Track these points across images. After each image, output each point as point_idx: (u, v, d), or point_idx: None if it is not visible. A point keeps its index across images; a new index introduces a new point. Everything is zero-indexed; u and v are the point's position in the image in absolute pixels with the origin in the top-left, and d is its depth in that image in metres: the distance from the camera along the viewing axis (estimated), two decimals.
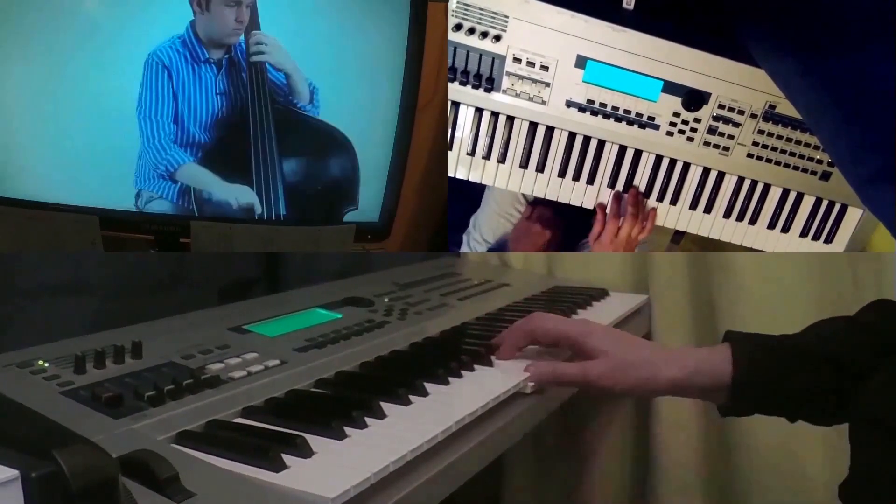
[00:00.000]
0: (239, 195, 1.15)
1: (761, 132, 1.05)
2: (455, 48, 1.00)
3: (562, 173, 1.07)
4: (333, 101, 1.20)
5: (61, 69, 1.07)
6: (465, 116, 1.04)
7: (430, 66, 1.21)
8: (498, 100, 1.03)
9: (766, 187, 1.09)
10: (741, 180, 1.09)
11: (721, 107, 1.03)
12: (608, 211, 1.08)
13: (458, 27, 0.98)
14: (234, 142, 1.15)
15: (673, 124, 1.04)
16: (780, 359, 0.71)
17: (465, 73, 1.01)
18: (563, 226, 1.26)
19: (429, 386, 0.73)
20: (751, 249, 1.12)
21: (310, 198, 1.20)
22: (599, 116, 1.04)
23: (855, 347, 0.70)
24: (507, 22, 0.97)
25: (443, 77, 1.03)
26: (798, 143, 1.05)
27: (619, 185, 1.08)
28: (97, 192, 1.12)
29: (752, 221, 1.10)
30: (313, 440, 0.58)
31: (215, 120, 1.14)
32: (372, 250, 1.26)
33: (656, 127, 1.04)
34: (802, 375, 0.70)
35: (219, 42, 1.13)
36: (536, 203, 1.26)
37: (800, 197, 1.09)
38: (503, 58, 1.00)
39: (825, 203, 1.10)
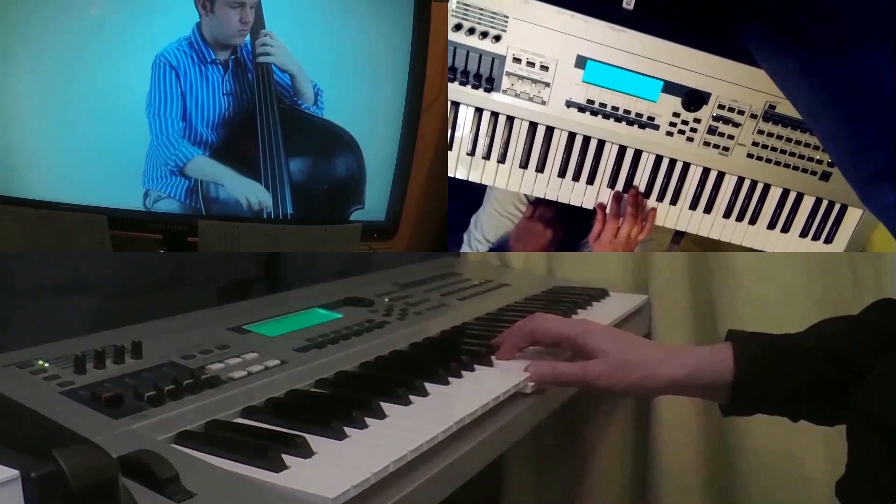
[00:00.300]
0: (252, 193, 1.15)
1: (761, 132, 1.04)
2: (455, 48, 1.00)
3: (562, 173, 1.07)
4: (338, 102, 1.20)
5: (68, 68, 1.07)
6: (465, 116, 1.04)
7: (435, 66, 1.21)
8: (498, 100, 1.03)
9: (766, 187, 1.09)
10: (741, 180, 1.08)
11: (721, 107, 1.03)
12: (608, 211, 1.08)
13: (458, 27, 0.98)
14: (241, 141, 1.15)
15: (673, 124, 1.04)
16: (781, 357, 0.71)
17: (465, 73, 1.01)
18: (565, 226, 1.26)
19: (429, 386, 0.73)
20: (751, 249, 1.12)
21: (316, 197, 1.20)
22: (599, 116, 1.04)
23: (855, 345, 0.70)
24: (506, 22, 0.97)
25: (447, 77, 1.03)
26: (798, 143, 1.05)
27: (619, 185, 1.08)
28: (105, 191, 1.12)
29: (752, 221, 1.10)
30: (313, 440, 0.58)
31: (223, 119, 1.14)
32: (378, 250, 1.26)
33: (656, 127, 1.04)
34: (802, 374, 0.70)
35: (224, 43, 1.13)
36: (538, 203, 1.26)
37: (800, 197, 1.09)
38: (503, 58, 1.00)
39: (825, 203, 1.10)
